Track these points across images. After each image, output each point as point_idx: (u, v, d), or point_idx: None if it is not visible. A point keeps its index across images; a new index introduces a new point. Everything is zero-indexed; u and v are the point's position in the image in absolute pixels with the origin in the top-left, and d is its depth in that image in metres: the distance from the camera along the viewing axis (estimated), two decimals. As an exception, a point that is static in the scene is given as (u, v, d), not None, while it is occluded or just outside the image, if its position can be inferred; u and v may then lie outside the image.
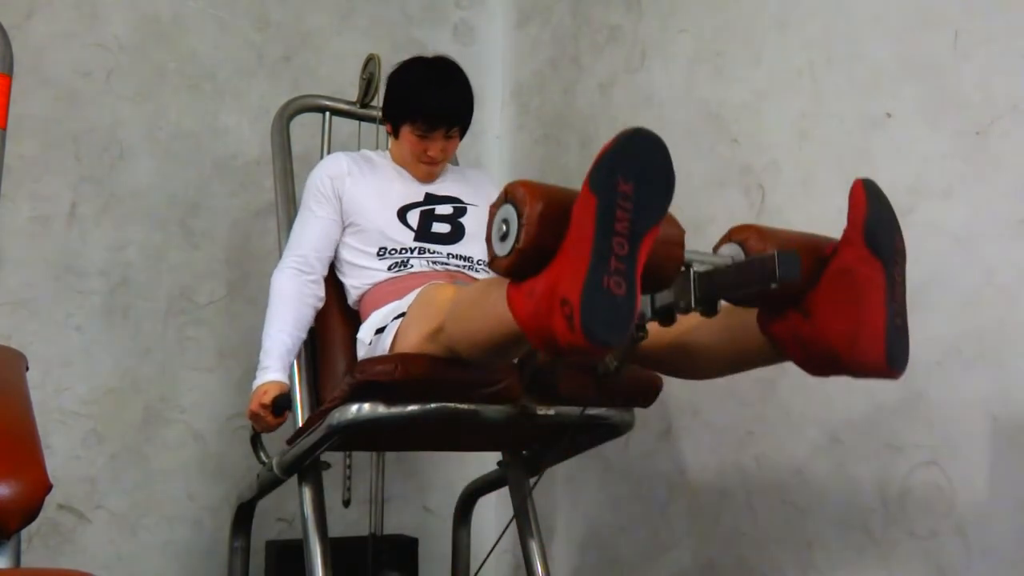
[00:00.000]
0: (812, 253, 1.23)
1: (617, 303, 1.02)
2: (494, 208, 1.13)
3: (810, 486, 1.78)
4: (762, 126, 1.96)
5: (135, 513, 2.18)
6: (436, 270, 1.80)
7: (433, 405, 1.43)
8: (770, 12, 1.97)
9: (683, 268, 1.19)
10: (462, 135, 1.89)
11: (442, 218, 1.87)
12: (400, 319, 1.61)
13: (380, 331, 1.68)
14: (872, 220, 1.20)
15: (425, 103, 1.81)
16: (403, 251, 1.81)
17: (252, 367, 1.75)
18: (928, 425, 1.59)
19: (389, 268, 1.79)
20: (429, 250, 1.81)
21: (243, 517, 1.92)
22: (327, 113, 2.16)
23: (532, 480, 1.88)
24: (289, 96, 2.18)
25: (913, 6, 1.69)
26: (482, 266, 1.86)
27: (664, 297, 1.22)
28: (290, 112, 2.09)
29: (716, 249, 1.27)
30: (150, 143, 2.27)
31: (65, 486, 2.08)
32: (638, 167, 1.06)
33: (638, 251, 1.04)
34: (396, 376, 1.39)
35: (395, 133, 1.88)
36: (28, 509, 0.86)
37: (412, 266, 1.79)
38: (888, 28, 1.73)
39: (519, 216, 1.08)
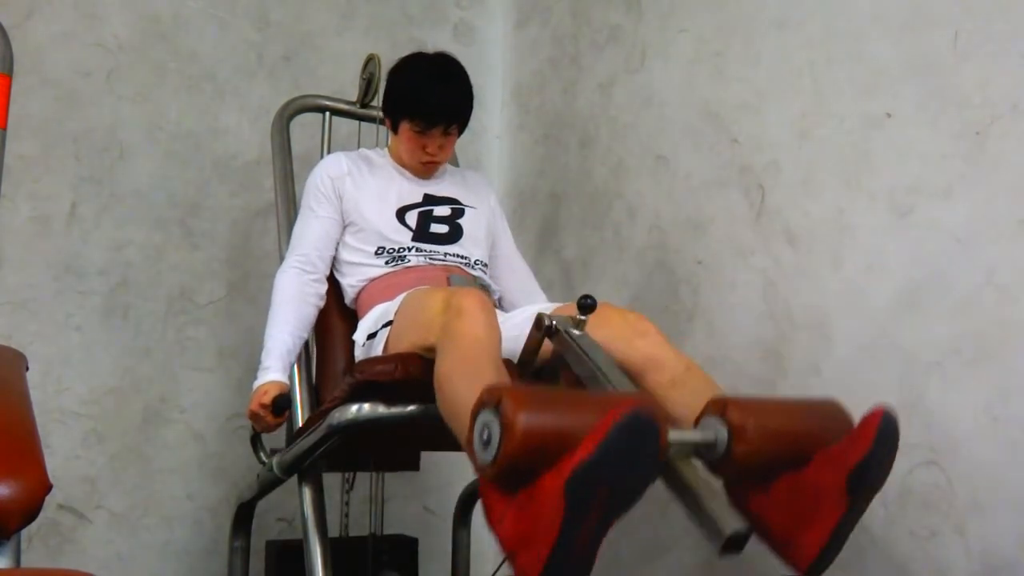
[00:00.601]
0: (795, 446, 1.24)
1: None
2: (477, 407, 1.11)
3: (810, 486, 1.78)
4: (762, 126, 1.96)
5: (135, 513, 2.18)
6: (433, 264, 1.80)
7: (433, 405, 1.42)
8: (770, 12, 1.97)
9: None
10: (461, 132, 1.87)
11: (440, 219, 1.87)
12: (389, 327, 1.61)
13: (372, 336, 1.68)
14: (864, 465, 1.19)
15: (425, 100, 1.78)
16: (401, 250, 1.81)
17: (252, 367, 1.75)
18: (928, 425, 1.59)
19: (386, 264, 1.79)
20: (426, 250, 1.82)
21: (243, 517, 1.92)
22: (327, 113, 2.16)
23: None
24: (289, 96, 2.18)
25: (913, 6, 1.69)
26: (479, 265, 1.87)
27: None
28: (290, 112, 2.09)
29: (699, 419, 1.25)
30: (150, 143, 2.27)
31: (65, 486, 2.08)
32: (622, 470, 1.03)
33: (602, 536, 1.06)
34: (396, 376, 1.39)
35: (394, 128, 1.87)
36: (28, 509, 0.86)
37: (409, 261, 1.79)
38: (888, 28, 1.73)
39: (501, 434, 1.05)
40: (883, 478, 1.25)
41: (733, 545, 1.10)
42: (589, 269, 2.39)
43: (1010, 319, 1.50)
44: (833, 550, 1.22)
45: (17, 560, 0.91)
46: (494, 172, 2.78)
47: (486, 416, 1.08)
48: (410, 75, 1.82)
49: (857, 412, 1.70)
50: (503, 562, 1.94)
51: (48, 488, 0.89)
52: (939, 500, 1.57)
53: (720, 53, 2.08)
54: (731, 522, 1.11)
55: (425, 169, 1.89)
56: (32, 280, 2.11)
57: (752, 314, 1.92)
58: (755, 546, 1.87)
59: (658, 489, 2.09)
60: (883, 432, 1.19)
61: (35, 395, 1.07)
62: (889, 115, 1.71)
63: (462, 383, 1.26)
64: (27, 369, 1.16)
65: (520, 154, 2.72)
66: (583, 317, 1.36)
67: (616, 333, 1.47)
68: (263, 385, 1.69)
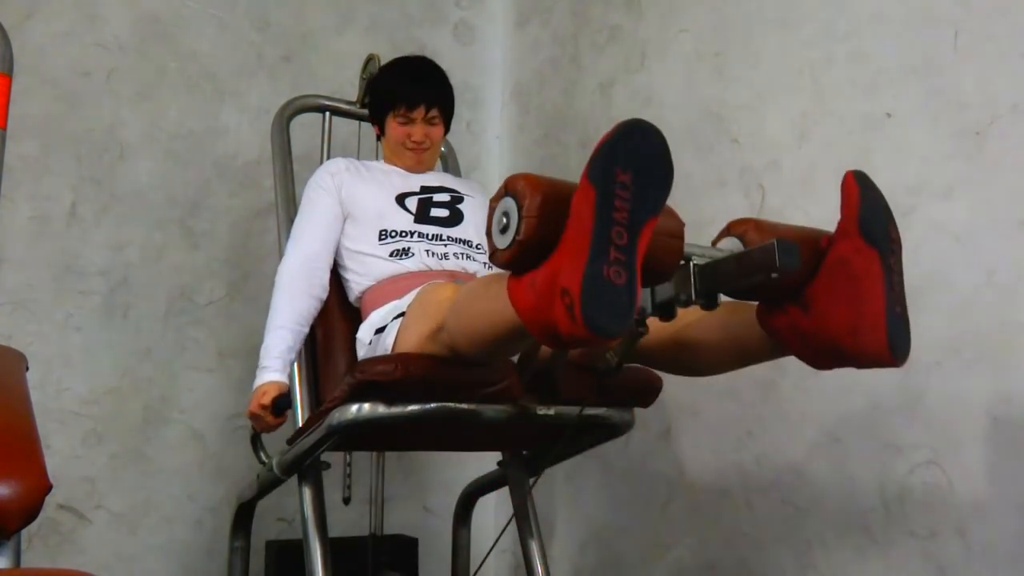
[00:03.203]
0: (809, 245, 1.24)
1: (617, 292, 1.02)
2: (494, 201, 1.14)
3: (810, 486, 1.78)
4: (762, 126, 1.96)
5: (135, 513, 2.17)
6: (443, 265, 1.81)
7: (433, 405, 1.42)
8: (770, 12, 1.97)
9: (683, 261, 1.19)
10: (446, 124, 1.97)
11: (440, 204, 1.91)
12: (400, 319, 1.61)
13: (380, 331, 1.68)
14: (865, 210, 1.20)
15: (401, 87, 1.92)
16: (403, 234, 1.82)
17: (252, 367, 1.75)
18: (928, 425, 1.59)
19: (391, 255, 1.80)
20: (429, 235, 1.83)
21: (243, 517, 1.92)
22: (327, 113, 2.16)
23: (531, 480, 1.88)
24: (289, 96, 2.18)
25: (913, 6, 1.69)
26: (481, 251, 1.88)
27: (664, 291, 1.22)
28: (290, 112, 2.09)
29: (715, 243, 1.28)
30: (150, 143, 2.28)
31: (65, 486, 2.08)
32: (636, 157, 1.06)
33: (637, 240, 1.04)
34: (396, 376, 1.38)
35: (383, 129, 1.97)
36: (28, 509, 0.86)
37: (413, 253, 1.80)
38: (888, 28, 1.73)
39: (519, 208, 1.08)
40: (892, 224, 1.24)
41: (787, 251, 1.10)
42: (589, 269, 2.39)
43: (1010, 319, 1.50)
44: (899, 313, 1.19)
45: (17, 560, 0.91)
46: (494, 172, 2.78)
47: (503, 204, 1.12)
48: (386, 75, 1.98)
49: (857, 413, 1.70)
50: (488, 552, 1.93)
51: (48, 488, 0.88)
52: (939, 500, 1.57)
53: (720, 53, 2.08)
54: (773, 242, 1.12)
55: (416, 158, 1.94)
56: (32, 280, 2.11)
57: (752, 314, 1.92)
58: (755, 546, 1.88)
59: (658, 489, 2.10)
60: (861, 181, 1.23)
61: (35, 395, 1.07)
62: (889, 115, 1.71)
63: (478, 303, 1.27)
64: (27, 369, 1.16)
65: (520, 154, 2.72)
66: None
67: None
68: (262, 386, 1.69)
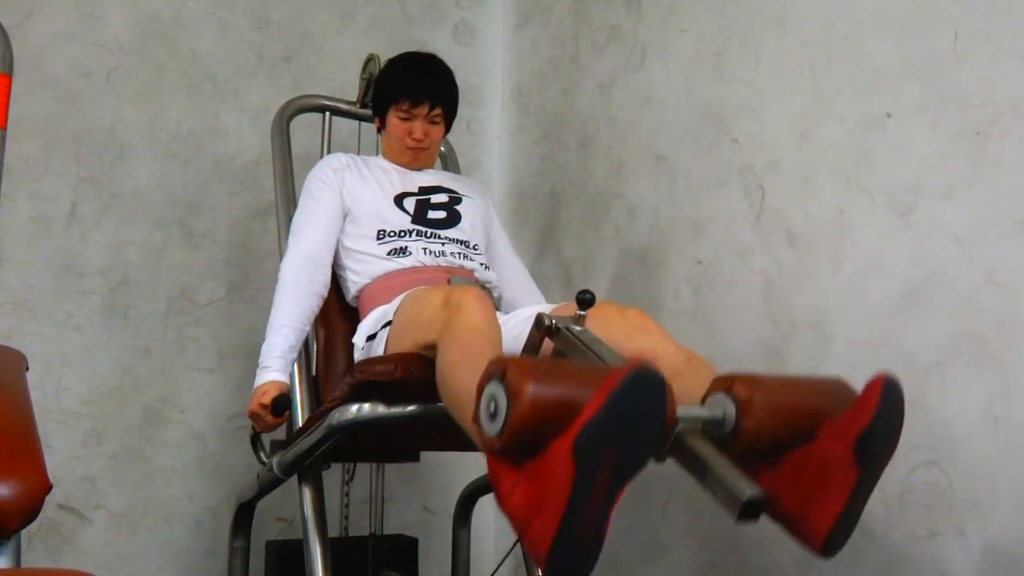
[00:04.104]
0: (801, 420, 1.20)
1: (585, 552, 1.03)
2: (484, 380, 1.09)
3: (810, 486, 1.78)
4: (762, 126, 1.96)
5: (135, 513, 2.18)
6: (438, 263, 1.80)
7: (433, 405, 1.43)
8: (770, 12, 1.97)
9: None
10: (447, 123, 1.95)
11: (438, 205, 1.91)
12: (389, 327, 1.62)
13: (371, 338, 1.68)
14: (870, 432, 1.15)
15: (407, 82, 1.90)
16: (401, 234, 1.83)
17: (252, 367, 1.75)
18: (928, 425, 1.59)
19: (388, 254, 1.80)
20: (426, 234, 1.83)
21: (243, 517, 1.92)
22: (327, 113, 2.16)
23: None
24: (289, 96, 2.19)
25: (913, 6, 1.69)
26: (478, 251, 1.89)
27: None
28: (290, 112, 2.09)
29: (706, 396, 1.23)
30: (150, 143, 2.28)
31: (65, 486, 2.08)
32: (630, 426, 1.01)
33: (612, 505, 1.03)
34: (396, 376, 1.39)
35: (383, 124, 1.95)
36: (28, 509, 0.87)
37: (410, 252, 1.80)
38: (888, 28, 1.73)
39: (508, 405, 1.04)
40: (891, 444, 1.21)
41: (750, 511, 1.08)
42: (589, 269, 2.39)
43: (1010, 319, 1.50)
44: (848, 523, 1.18)
45: (17, 560, 0.91)
46: (494, 172, 2.78)
47: (492, 388, 1.06)
48: (393, 68, 1.96)
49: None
50: (503, 560, 1.94)
51: (48, 488, 0.89)
52: (939, 500, 1.57)
53: (720, 53, 2.08)
54: (747, 488, 1.08)
55: (413, 156, 1.94)
56: (32, 280, 2.12)
57: (752, 314, 1.92)
58: (755, 546, 1.87)
59: (658, 489, 2.10)
60: (886, 397, 1.16)
61: (35, 395, 1.07)
62: (889, 115, 1.71)
63: (465, 371, 1.24)
64: (27, 369, 1.16)
65: (520, 154, 2.72)
66: (582, 312, 1.36)
67: (616, 330, 1.47)
68: (263, 385, 1.69)
